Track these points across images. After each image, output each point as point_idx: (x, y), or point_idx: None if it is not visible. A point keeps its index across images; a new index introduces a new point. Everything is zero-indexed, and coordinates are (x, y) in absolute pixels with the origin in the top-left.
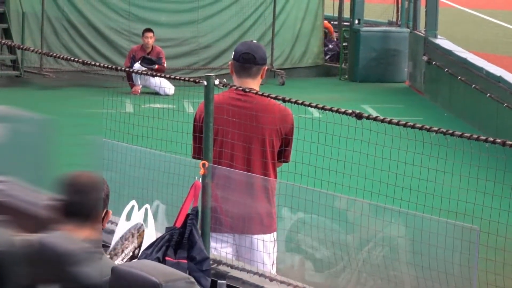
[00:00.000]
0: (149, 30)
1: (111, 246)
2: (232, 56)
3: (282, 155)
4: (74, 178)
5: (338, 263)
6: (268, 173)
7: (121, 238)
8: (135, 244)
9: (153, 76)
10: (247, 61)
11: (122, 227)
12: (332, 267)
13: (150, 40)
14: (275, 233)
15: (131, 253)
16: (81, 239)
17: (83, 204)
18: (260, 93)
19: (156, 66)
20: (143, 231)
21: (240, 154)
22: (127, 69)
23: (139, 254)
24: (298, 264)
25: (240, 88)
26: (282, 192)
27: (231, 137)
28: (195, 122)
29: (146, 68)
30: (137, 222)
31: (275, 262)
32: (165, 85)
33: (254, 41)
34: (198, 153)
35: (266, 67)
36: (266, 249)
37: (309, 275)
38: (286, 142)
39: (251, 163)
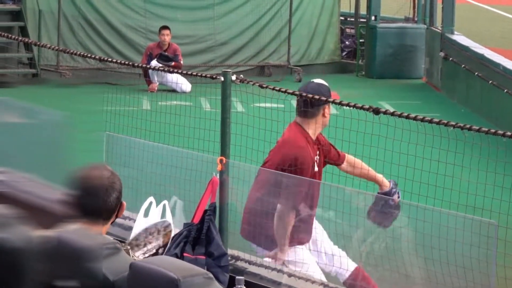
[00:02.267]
0: (165, 27)
1: (133, 236)
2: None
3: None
4: (86, 176)
5: (358, 256)
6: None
7: (145, 230)
8: (160, 242)
9: (170, 72)
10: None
11: (140, 223)
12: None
13: (167, 37)
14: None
15: (154, 250)
16: (98, 234)
17: (98, 200)
18: (277, 88)
19: (173, 63)
20: (170, 231)
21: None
22: (143, 65)
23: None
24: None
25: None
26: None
27: None
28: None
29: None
30: (166, 220)
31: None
32: (182, 82)
33: (317, 80)
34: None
35: (327, 106)
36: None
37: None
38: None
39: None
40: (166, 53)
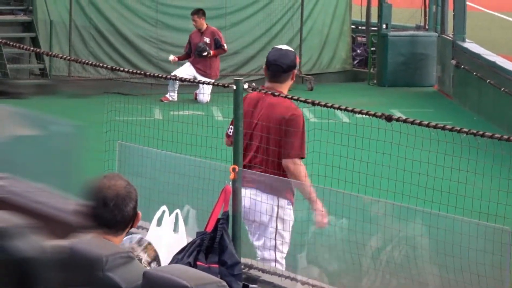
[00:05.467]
0: (192, 13)
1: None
2: (265, 61)
3: (281, 153)
4: (102, 186)
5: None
6: (267, 169)
7: None
8: (146, 258)
9: (191, 82)
10: (276, 70)
11: (152, 232)
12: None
13: (198, 21)
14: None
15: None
16: (111, 244)
17: (114, 210)
18: (289, 96)
19: (212, 52)
20: (149, 244)
21: (255, 142)
22: (154, 75)
23: (171, 259)
24: (330, 266)
25: (270, 92)
26: None
27: (252, 128)
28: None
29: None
30: (133, 235)
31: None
32: (205, 91)
33: (285, 47)
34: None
35: (296, 70)
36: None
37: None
38: (284, 138)
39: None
40: (200, 44)
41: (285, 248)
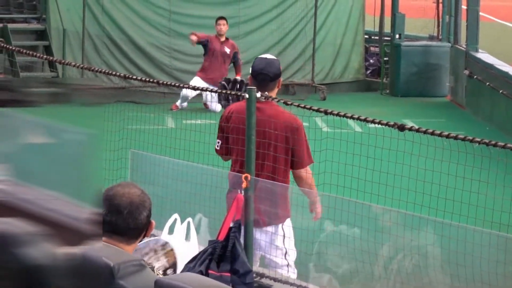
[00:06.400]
0: (221, 17)
1: None
2: (250, 71)
3: (293, 164)
4: (116, 194)
5: (385, 274)
6: (276, 177)
7: (138, 250)
8: (165, 263)
9: (195, 90)
10: (263, 79)
11: None
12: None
13: (223, 27)
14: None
15: (161, 272)
16: (123, 252)
17: (128, 219)
18: (302, 105)
19: (237, 74)
20: (171, 250)
21: (262, 151)
22: (170, 84)
23: (183, 268)
24: (341, 274)
25: (282, 101)
26: (324, 204)
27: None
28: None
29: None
30: (159, 238)
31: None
32: (214, 99)
33: (269, 56)
34: (223, 152)
35: (281, 78)
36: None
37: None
38: (293, 152)
39: (261, 166)
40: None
41: (294, 257)
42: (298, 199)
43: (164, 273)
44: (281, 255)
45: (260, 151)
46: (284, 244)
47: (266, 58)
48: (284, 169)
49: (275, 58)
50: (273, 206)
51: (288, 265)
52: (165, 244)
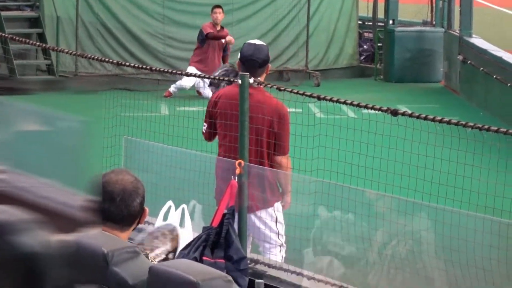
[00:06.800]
0: (218, 6)
1: (137, 240)
2: (239, 57)
3: (276, 148)
4: (109, 181)
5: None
6: (263, 161)
7: (150, 234)
8: (168, 247)
9: (188, 75)
10: (251, 65)
11: None
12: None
13: (219, 15)
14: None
15: (163, 256)
16: (117, 239)
17: (121, 206)
18: (295, 91)
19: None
20: (177, 235)
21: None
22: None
23: (177, 254)
24: (336, 261)
25: (276, 86)
26: (318, 190)
27: (232, 126)
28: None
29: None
30: (170, 223)
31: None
32: (202, 85)
33: (258, 41)
34: (208, 137)
35: (269, 64)
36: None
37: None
38: (277, 136)
39: (250, 151)
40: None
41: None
42: (292, 185)
43: (166, 257)
44: (275, 237)
45: (249, 136)
46: (277, 226)
47: (255, 44)
48: (271, 153)
49: (264, 43)
50: (264, 190)
51: (281, 245)
52: (173, 229)
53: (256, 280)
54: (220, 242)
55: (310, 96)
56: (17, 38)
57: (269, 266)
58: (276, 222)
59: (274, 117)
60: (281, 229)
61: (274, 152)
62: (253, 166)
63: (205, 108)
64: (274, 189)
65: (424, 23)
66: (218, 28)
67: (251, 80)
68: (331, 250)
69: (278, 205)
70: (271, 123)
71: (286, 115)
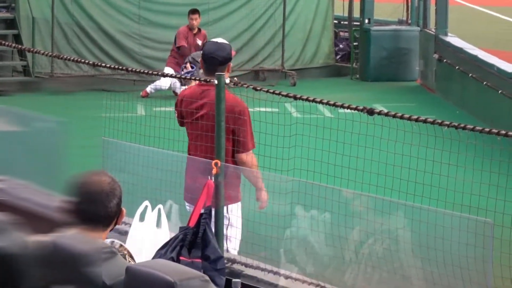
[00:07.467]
0: (194, 11)
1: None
2: (201, 55)
3: (236, 145)
4: (86, 182)
5: (356, 259)
6: (226, 158)
7: None
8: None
9: (164, 76)
10: (212, 63)
11: (135, 227)
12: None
13: (195, 21)
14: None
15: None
16: (94, 239)
17: (98, 207)
18: (271, 91)
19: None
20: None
21: (202, 140)
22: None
23: (154, 254)
24: (313, 260)
25: (252, 86)
26: (295, 189)
27: (195, 125)
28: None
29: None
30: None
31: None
32: (178, 85)
33: (221, 40)
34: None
35: (231, 63)
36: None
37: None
38: (236, 132)
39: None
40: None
41: (237, 245)
42: (269, 184)
43: None
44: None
45: (209, 134)
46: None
47: (217, 42)
48: (232, 149)
49: (227, 42)
50: (228, 187)
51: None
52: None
53: (233, 280)
54: (197, 242)
55: (286, 96)
56: None
57: (246, 265)
58: (228, 225)
59: (229, 113)
60: (235, 233)
61: (236, 153)
62: (208, 162)
63: None
64: (232, 189)
65: (400, 22)
66: (195, 31)
67: (227, 80)
68: (308, 249)
69: (233, 207)
70: (226, 119)
71: (244, 111)
